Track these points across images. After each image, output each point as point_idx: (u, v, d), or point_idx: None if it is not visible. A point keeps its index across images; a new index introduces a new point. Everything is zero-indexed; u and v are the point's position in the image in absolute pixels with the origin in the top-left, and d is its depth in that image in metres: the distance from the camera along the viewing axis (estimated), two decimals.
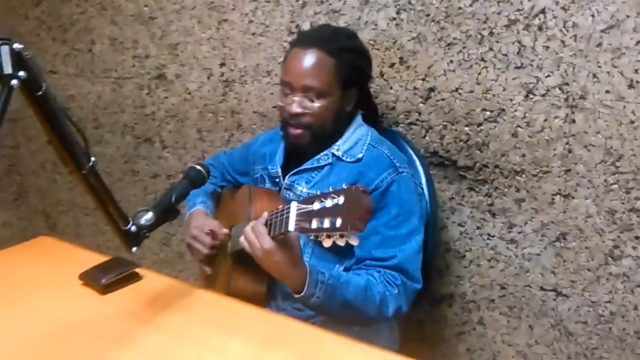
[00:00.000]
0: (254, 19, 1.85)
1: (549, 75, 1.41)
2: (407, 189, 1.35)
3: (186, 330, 1.14)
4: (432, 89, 1.58)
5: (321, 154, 1.39)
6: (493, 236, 1.60)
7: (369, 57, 1.45)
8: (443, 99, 1.56)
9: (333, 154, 1.39)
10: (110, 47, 2.26)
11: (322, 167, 1.39)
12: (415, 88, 1.60)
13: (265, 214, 1.17)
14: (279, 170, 1.46)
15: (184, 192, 1.20)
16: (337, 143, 1.39)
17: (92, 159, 0.97)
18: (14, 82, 0.83)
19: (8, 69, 0.81)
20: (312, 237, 1.02)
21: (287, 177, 1.43)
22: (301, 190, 1.39)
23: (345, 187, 0.96)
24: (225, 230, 1.44)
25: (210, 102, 2.05)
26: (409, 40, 1.58)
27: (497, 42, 1.45)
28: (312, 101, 1.34)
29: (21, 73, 0.84)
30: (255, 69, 1.90)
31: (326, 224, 0.97)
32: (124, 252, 1.21)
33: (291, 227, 1.04)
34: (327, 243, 1.00)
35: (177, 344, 1.10)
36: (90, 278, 1.31)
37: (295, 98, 1.35)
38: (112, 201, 1.01)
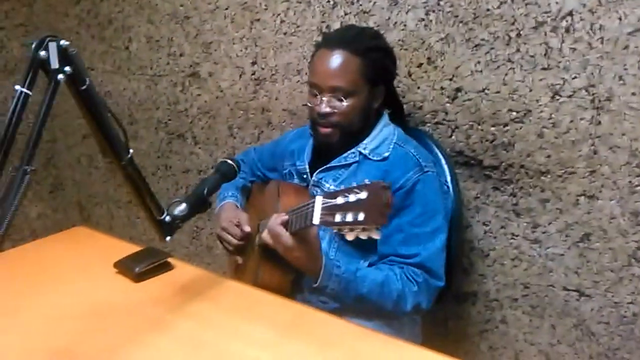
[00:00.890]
0: (285, 19, 1.89)
1: (575, 77, 1.42)
2: (432, 188, 1.38)
3: (214, 318, 1.20)
4: (459, 89, 1.60)
5: (349, 152, 1.43)
6: (517, 236, 1.61)
7: (394, 55, 1.48)
8: (470, 99, 1.58)
9: (360, 152, 1.42)
10: (146, 45, 2.33)
11: (350, 165, 1.43)
12: (442, 88, 1.62)
13: (284, 215, 1.23)
14: (307, 166, 1.50)
15: (216, 185, 1.25)
16: (364, 142, 1.43)
17: (131, 150, 1.02)
18: (61, 76, 0.89)
19: (55, 64, 0.87)
20: (335, 231, 1.06)
21: (315, 174, 1.47)
22: (328, 187, 1.43)
23: (368, 183, 1.00)
24: (248, 228, 1.49)
25: (242, 100, 2.10)
26: (437, 41, 1.60)
27: (525, 43, 1.46)
28: (341, 100, 1.38)
29: (67, 68, 0.89)
30: (286, 67, 1.94)
31: (349, 217, 1.01)
32: (156, 243, 1.26)
33: (315, 220, 1.09)
34: (350, 237, 1.04)
35: (206, 331, 1.15)
36: (125, 266, 1.37)
37: (324, 98, 1.38)
38: (148, 191, 1.06)
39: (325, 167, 1.45)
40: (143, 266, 1.34)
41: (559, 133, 1.47)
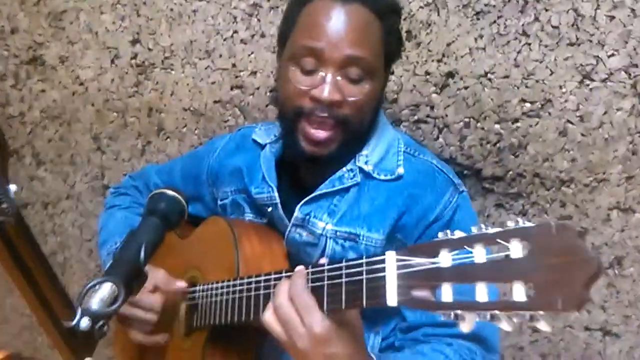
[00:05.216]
0: None
1: (612, 55, 1.17)
2: (472, 215, 1.02)
3: None
4: (451, 74, 1.28)
5: (344, 169, 0.97)
6: None
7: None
8: (466, 87, 1.27)
9: (360, 169, 0.97)
10: None
11: (347, 189, 0.97)
12: (427, 73, 1.30)
13: (302, 269, 0.75)
14: (276, 194, 0.98)
15: (157, 239, 0.68)
16: (363, 152, 0.99)
17: (12, 188, 0.44)
18: None
19: None
20: (446, 317, 0.57)
21: (299, 207, 0.97)
22: (324, 228, 0.96)
23: (528, 226, 0.53)
24: (183, 283, 0.99)
25: (115, 97, 1.62)
26: (421, 8, 1.27)
27: (546, 10, 1.19)
28: (356, 82, 0.91)
29: None
30: (188, 48, 1.48)
31: (481, 294, 0.55)
32: None
33: (392, 300, 0.63)
34: (467, 327, 0.57)
35: None
36: None
37: (328, 76, 0.89)
38: (48, 275, 0.47)
39: (312, 196, 0.96)
40: None
41: (588, 129, 1.22)
